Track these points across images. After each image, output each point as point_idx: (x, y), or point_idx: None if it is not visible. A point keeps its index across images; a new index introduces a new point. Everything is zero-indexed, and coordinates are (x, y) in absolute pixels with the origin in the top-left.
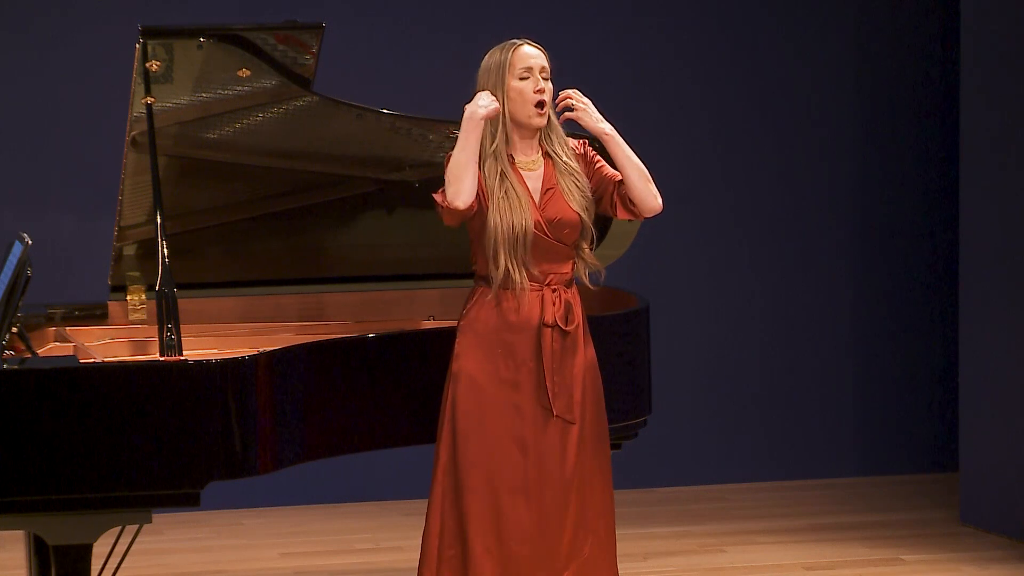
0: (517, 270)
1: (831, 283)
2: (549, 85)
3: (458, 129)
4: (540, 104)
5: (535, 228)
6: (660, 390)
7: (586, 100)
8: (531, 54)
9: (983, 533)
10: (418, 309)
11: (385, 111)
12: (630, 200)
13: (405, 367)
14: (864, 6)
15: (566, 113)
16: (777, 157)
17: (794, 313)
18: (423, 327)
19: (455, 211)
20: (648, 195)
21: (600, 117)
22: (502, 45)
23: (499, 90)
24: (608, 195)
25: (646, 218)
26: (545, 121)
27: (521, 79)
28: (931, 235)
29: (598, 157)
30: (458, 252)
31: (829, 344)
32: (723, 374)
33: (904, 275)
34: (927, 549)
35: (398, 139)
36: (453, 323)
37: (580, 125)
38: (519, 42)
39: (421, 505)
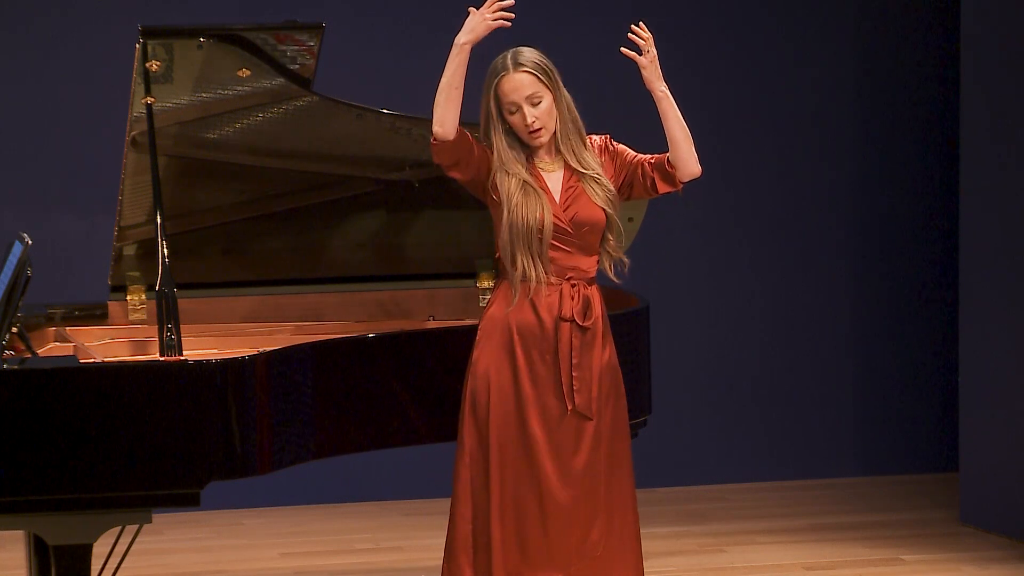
0: (533, 266)
1: (831, 283)
2: (542, 107)
3: None
4: (533, 134)
5: (555, 226)
6: (660, 390)
7: (655, 52)
8: (513, 86)
9: (983, 533)
10: (418, 309)
11: (385, 111)
12: (668, 166)
13: (405, 367)
14: (864, 6)
15: (631, 52)
16: (777, 157)
17: (794, 313)
18: (424, 327)
19: (441, 145)
20: (691, 158)
21: (660, 75)
22: (492, 66)
23: (499, 121)
24: (640, 176)
25: (684, 184)
26: (546, 138)
27: (511, 113)
28: (931, 235)
29: (622, 148)
30: (458, 252)
31: (829, 344)
32: (723, 374)
33: (904, 275)
34: (927, 549)
35: (398, 139)
36: (454, 323)
37: (642, 73)
38: (500, 71)
39: (421, 505)
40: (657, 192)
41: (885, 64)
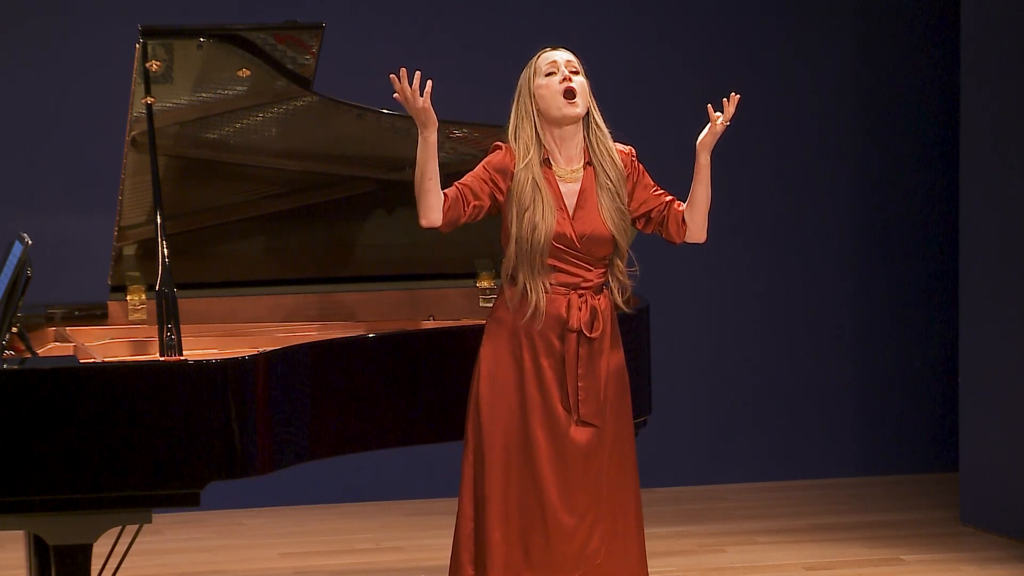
0: (538, 277)
1: (831, 283)
2: (580, 79)
3: (458, 128)
4: (567, 92)
5: (562, 238)
6: (660, 390)
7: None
8: (553, 54)
9: (983, 533)
10: (418, 309)
11: (385, 111)
12: (682, 220)
13: (405, 367)
14: (864, 6)
15: (716, 111)
16: (777, 157)
17: (794, 313)
18: (423, 327)
19: (438, 230)
20: (704, 226)
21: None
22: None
23: (529, 96)
24: (657, 214)
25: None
26: (578, 111)
27: (547, 75)
28: (931, 235)
29: (644, 171)
30: (458, 252)
31: (829, 344)
32: (723, 374)
33: (904, 275)
34: (927, 549)
35: (398, 139)
36: (454, 323)
37: (712, 130)
38: (541, 50)
39: (421, 505)
40: (662, 234)
41: (885, 64)
